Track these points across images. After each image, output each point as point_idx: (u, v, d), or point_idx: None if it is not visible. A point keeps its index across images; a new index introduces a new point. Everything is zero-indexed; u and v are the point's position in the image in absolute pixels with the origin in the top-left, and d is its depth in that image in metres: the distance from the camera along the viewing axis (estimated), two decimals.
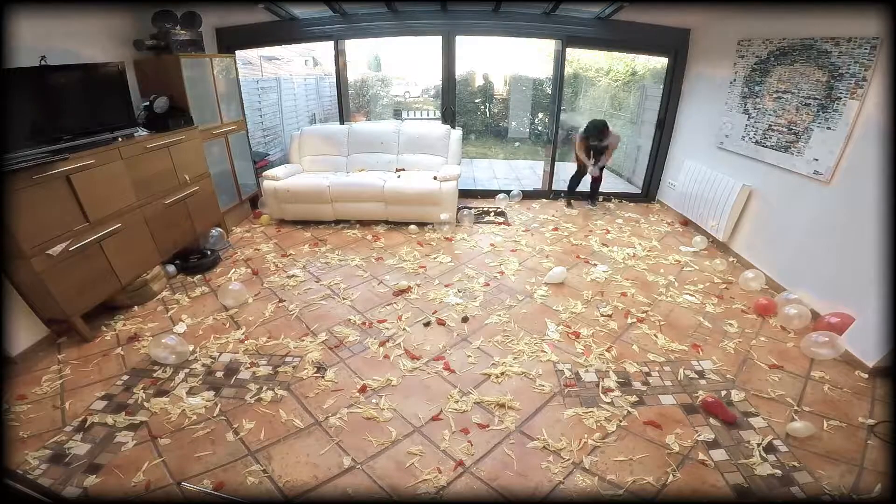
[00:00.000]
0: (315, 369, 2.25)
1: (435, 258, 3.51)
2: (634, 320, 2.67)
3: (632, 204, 4.93)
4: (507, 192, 4.95)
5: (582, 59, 7.27)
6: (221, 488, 1.64)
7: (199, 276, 3.29)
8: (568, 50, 4.56)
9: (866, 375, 2.19)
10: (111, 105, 2.75)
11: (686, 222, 4.24)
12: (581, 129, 4.47)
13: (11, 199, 2.03)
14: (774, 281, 3.02)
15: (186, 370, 2.27)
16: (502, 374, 2.22)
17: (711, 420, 1.93)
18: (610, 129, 4.37)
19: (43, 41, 2.49)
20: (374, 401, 2.06)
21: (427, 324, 2.65)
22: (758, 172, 3.29)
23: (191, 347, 2.44)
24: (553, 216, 4.47)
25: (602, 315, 2.71)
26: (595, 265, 3.37)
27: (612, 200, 4.98)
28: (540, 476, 1.69)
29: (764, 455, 1.75)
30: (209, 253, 3.48)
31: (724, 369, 2.26)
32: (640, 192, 5.13)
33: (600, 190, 4.85)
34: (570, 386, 2.14)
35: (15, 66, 2.22)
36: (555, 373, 2.23)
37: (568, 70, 4.96)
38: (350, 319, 2.70)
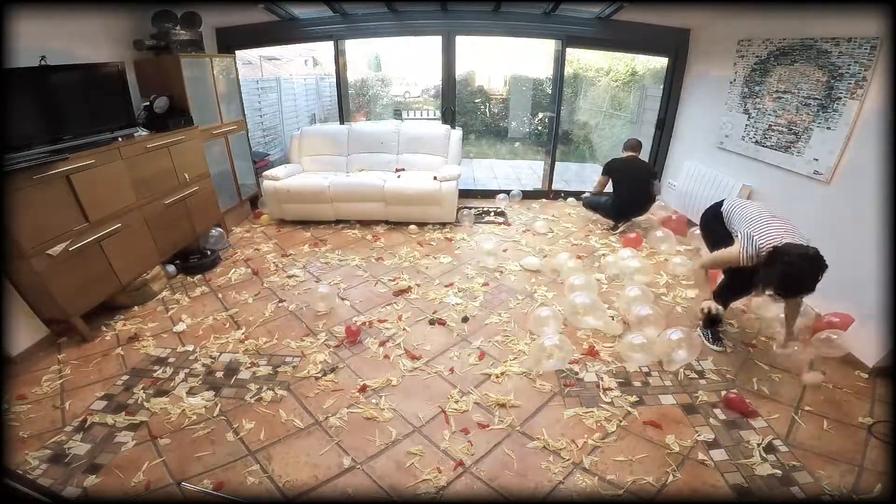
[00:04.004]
0: (322, 372, 2.24)
1: (435, 258, 3.51)
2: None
3: None
4: (507, 192, 4.95)
5: (582, 59, 7.26)
6: (221, 488, 1.64)
7: (199, 276, 3.29)
8: (568, 50, 4.56)
9: (866, 375, 2.19)
10: (111, 105, 2.75)
11: (686, 222, 4.23)
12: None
13: (11, 199, 2.03)
14: None
15: (186, 370, 2.27)
16: (502, 373, 2.22)
17: (711, 420, 1.93)
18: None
19: (43, 41, 2.49)
20: (374, 401, 2.06)
21: (431, 322, 2.66)
22: (758, 172, 3.29)
23: (191, 347, 2.45)
24: (553, 216, 4.47)
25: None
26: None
27: None
28: (540, 476, 1.69)
29: (764, 455, 1.75)
30: (209, 253, 3.48)
31: (724, 369, 2.26)
32: None
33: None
34: (570, 386, 2.14)
35: (15, 66, 2.22)
36: (555, 373, 2.23)
37: (568, 70, 4.95)
38: (350, 319, 2.70)
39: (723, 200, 2.53)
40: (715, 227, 2.48)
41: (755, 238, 2.02)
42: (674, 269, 3.26)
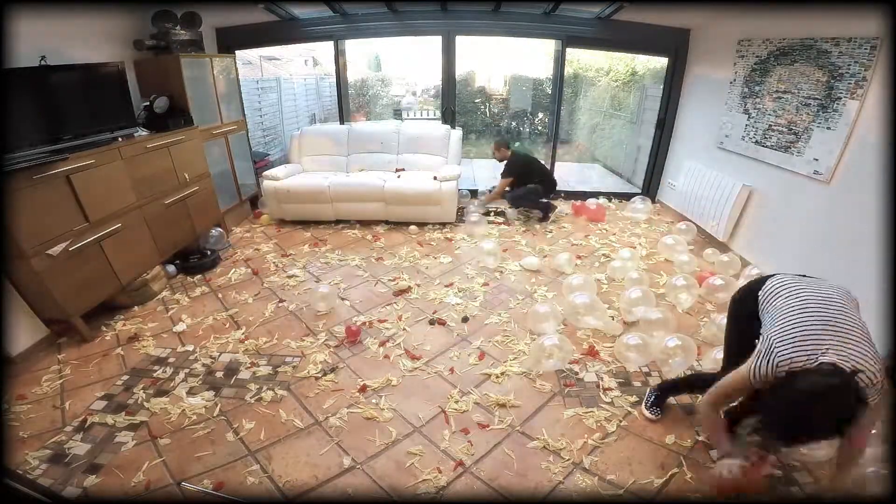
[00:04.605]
0: (322, 372, 2.24)
1: (435, 258, 3.51)
2: (635, 320, 2.66)
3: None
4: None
5: (582, 59, 7.26)
6: (221, 488, 1.64)
7: (199, 276, 3.29)
8: (568, 50, 4.56)
9: None
10: (111, 105, 2.75)
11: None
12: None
13: (11, 199, 2.03)
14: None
15: (186, 370, 2.27)
16: (502, 373, 2.22)
17: None
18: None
19: (43, 41, 2.49)
20: (374, 401, 2.06)
21: (431, 322, 2.67)
22: (758, 172, 3.29)
23: (191, 347, 2.45)
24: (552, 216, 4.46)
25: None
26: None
27: (612, 200, 4.97)
28: (540, 476, 1.69)
29: None
30: (209, 253, 3.48)
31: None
32: (640, 192, 5.12)
33: None
34: (570, 386, 2.14)
35: (15, 66, 2.22)
36: (555, 373, 2.23)
37: (568, 70, 4.96)
38: (350, 319, 2.70)
39: (767, 277, 1.57)
40: (741, 324, 1.60)
41: (777, 349, 1.28)
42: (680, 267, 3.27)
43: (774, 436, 1.27)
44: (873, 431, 1.49)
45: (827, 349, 1.24)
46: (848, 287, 1.65)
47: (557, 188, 4.42)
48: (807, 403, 1.17)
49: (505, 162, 4.26)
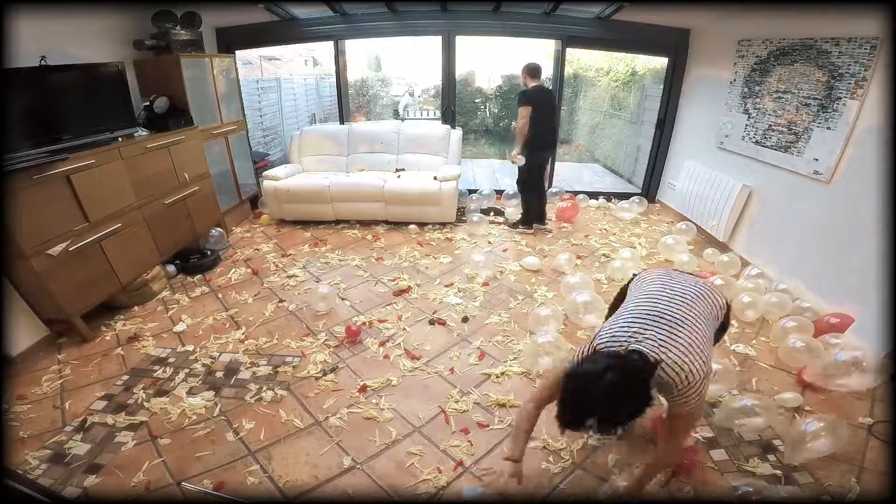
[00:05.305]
0: (322, 372, 2.25)
1: (435, 258, 3.51)
2: None
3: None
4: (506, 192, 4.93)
5: (582, 59, 7.27)
6: (221, 488, 1.64)
7: (199, 276, 3.29)
8: (568, 50, 4.56)
9: None
10: (111, 105, 2.75)
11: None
12: None
13: (11, 199, 2.03)
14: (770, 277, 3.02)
15: (186, 370, 2.27)
16: (502, 373, 2.22)
17: (712, 420, 1.93)
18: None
19: (43, 41, 2.49)
20: (374, 401, 2.06)
21: (431, 322, 2.67)
22: (758, 172, 3.29)
23: (191, 347, 2.45)
24: (552, 216, 4.46)
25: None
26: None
27: (612, 200, 4.97)
28: (540, 476, 1.69)
29: (764, 455, 1.75)
30: (209, 253, 3.48)
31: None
32: (640, 192, 5.12)
33: None
34: None
35: (15, 67, 2.22)
36: None
37: (568, 70, 4.96)
38: (350, 319, 2.70)
39: (643, 271, 1.69)
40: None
41: (599, 335, 1.35)
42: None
43: (559, 418, 1.21)
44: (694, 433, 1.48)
45: (645, 338, 1.27)
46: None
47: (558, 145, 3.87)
48: (582, 382, 1.17)
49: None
